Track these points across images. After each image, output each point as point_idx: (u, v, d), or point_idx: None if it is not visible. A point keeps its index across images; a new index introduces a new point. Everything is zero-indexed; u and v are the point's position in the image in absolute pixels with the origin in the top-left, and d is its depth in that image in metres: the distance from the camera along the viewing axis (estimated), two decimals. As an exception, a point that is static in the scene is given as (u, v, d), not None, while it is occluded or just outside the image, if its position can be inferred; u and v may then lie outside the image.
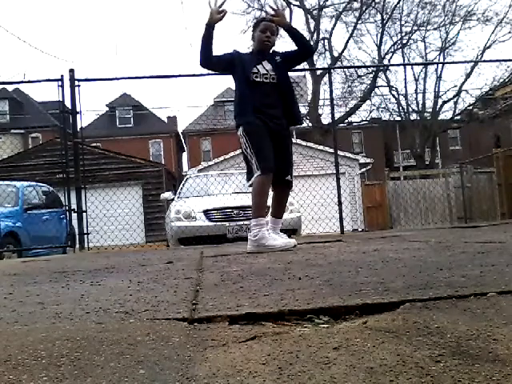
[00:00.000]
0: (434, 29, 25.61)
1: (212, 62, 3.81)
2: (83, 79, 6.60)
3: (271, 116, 3.77)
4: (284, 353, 1.04)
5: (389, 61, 25.85)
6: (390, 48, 26.24)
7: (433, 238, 3.89)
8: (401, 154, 33.97)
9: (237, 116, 3.83)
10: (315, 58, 25.67)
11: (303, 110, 24.52)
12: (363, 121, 28.32)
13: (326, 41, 25.99)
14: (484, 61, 25.61)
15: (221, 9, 3.70)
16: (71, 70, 6.44)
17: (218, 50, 3.85)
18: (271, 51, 3.99)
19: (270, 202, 3.88)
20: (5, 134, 28.00)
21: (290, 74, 4.16)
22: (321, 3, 25.56)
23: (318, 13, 25.68)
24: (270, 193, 3.85)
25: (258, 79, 3.79)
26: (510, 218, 10.16)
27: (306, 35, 26.32)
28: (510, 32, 24.46)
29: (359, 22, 25.50)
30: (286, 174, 3.87)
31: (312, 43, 25.42)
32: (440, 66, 25.04)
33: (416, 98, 26.09)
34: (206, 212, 7.03)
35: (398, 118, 27.81)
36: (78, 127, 6.60)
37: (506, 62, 21.75)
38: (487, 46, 24.59)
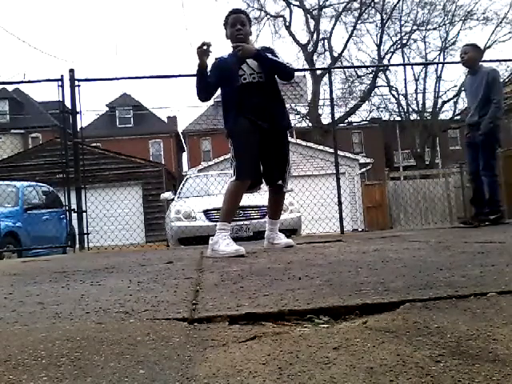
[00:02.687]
0: (434, 29, 25.64)
1: (210, 95, 3.76)
2: (83, 79, 6.60)
3: (263, 117, 3.62)
4: (284, 353, 1.04)
5: (388, 61, 25.88)
6: (390, 48, 26.29)
7: (433, 238, 3.89)
8: (401, 154, 33.97)
9: (226, 123, 3.70)
10: (315, 57, 25.74)
11: (303, 110, 24.57)
12: (363, 121, 28.35)
13: (325, 41, 26.01)
14: (484, 61, 25.29)
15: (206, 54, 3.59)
16: (71, 70, 6.43)
17: (218, 50, 3.85)
18: (260, 48, 3.79)
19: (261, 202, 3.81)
20: (5, 133, 27.99)
21: None
22: (320, 3, 25.60)
23: (317, 13, 25.68)
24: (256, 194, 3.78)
25: (247, 80, 3.63)
26: (510, 218, 10.16)
27: (306, 35, 26.38)
28: (510, 32, 24.51)
29: (359, 22, 25.54)
30: (278, 178, 3.75)
31: (312, 43, 25.46)
32: (440, 65, 25.07)
33: (416, 98, 26.15)
34: (206, 212, 7.03)
35: (398, 118, 27.82)
36: (78, 127, 6.59)
37: (506, 62, 21.72)
38: (487, 45, 24.59)
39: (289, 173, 3.83)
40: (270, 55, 3.72)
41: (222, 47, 3.91)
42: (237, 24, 3.69)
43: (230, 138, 3.67)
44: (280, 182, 3.77)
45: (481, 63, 5.56)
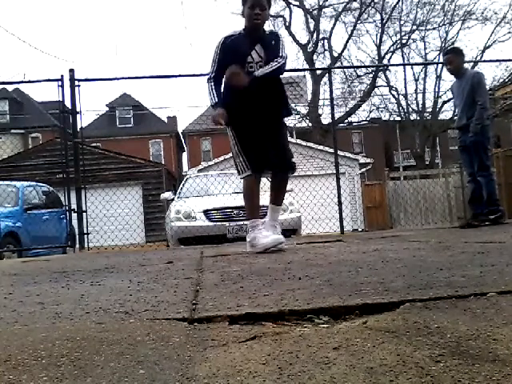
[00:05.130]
0: (434, 29, 25.68)
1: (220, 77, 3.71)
2: (83, 79, 6.60)
3: (262, 106, 3.58)
4: (284, 353, 1.04)
5: (388, 61, 25.88)
6: (390, 48, 26.31)
7: (433, 238, 3.89)
8: (401, 154, 33.97)
9: (228, 110, 3.65)
10: (315, 57, 25.74)
11: (303, 110, 24.57)
12: (363, 121, 28.35)
13: (325, 41, 26.02)
14: (484, 61, 25.61)
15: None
16: (71, 70, 6.44)
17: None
18: (268, 32, 3.77)
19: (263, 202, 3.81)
20: (5, 133, 27.96)
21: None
22: (320, 3, 25.60)
23: (317, 13, 25.69)
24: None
25: (253, 69, 3.57)
26: (510, 218, 10.16)
27: (306, 35, 26.40)
28: (509, 32, 24.52)
29: (358, 22, 25.55)
30: (284, 159, 3.68)
31: (312, 43, 25.50)
32: (440, 65, 25.00)
33: (416, 98, 26.15)
34: (206, 212, 7.03)
35: (398, 118, 27.83)
36: (78, 127, 6.60)
37: (506, 62, 21.75)
38: (487, 45, 24.64)
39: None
40: (274, 42, 3.68)
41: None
42: (256, 7, 3.54)
43: (232, 134, 3.68)
44: (291, 160, 3.72)
45: (466, 67, 5.61)
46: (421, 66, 26.37)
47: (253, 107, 3.59)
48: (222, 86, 3.71)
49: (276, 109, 3.70)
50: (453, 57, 5.55)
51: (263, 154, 3.63)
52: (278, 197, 3.77)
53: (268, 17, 3.73)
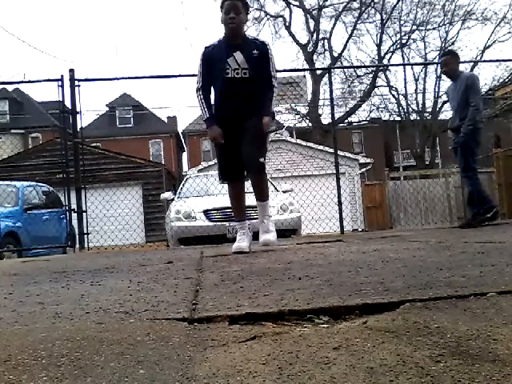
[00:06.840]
0: (434, 29, 25.66)
1: (208, 92, 3.80)
2: (83, 79, 6.60)
3: (236, 112, 3.59)
4: (284, 353, 1.04)
5: (388, 60, 25.87)
6: (390, 48, 26.30)
7: (433, 238, 3.89)
8: (401, 154, 33.96)
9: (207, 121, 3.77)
10: (315, 57, 25.75)
11: (303, 110, 24.57)
12: (363, 121, 28.35)
13: (325, 41, 26.02)
14: (484, 61, 25.60)
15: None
16: (71, 70, 6.44)
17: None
18: (253, 39, 3.74)
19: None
20: (5, 133, 27.97)
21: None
22: (320, 3, 25.59)
23: (317, 13, 25.68)
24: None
25: (229, 75, 3.58)
26: (510, 218, 10.16)
27: (306, 35, 26.42)
28: (509, 32, 24.51)
29: (358, 22, 25.54)
30: (252, 159, 3.59)
31: (312, 43, 25.55)
32: (440, 65, 25.02)
33: (416, 98, 26.14)
34: (206, 212, 7.03)
35: (398, 118, 27.82)
36: (78, 127, 6.60)
37: (506, 62, 21.75)
38: (487, 45, 24.63)
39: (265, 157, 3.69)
40: (256, 52, 3.61)
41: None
42: (231, 12, 3.56)
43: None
44: (261, 159, 3.61)
45: (462, 70, 5.67)
46: (421, 66, 26.36)
47: (231, 113, 3.63)
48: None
49: (252, 112, 3.59)
50: (449, 59, 5.58)
51: (236, 162, 3.63)
52: (257, 193, 3.77)
53: (244, 20, 3.68)
